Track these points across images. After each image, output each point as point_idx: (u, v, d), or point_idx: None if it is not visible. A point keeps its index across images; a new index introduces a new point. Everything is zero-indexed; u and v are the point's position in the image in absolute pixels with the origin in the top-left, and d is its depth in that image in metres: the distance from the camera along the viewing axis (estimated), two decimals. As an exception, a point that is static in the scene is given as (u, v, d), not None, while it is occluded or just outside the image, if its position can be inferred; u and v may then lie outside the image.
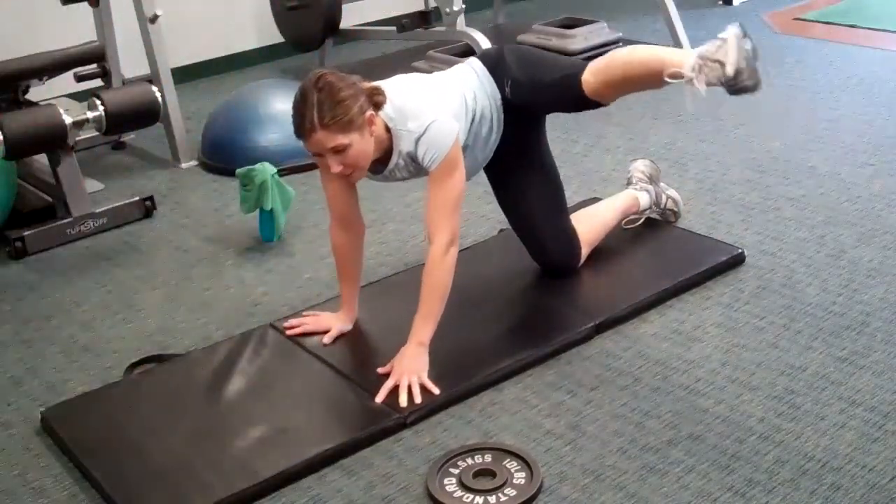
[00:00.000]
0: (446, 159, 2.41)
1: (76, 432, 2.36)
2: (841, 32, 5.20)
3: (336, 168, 2.35)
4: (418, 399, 2.36)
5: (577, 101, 2.57)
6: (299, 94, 2.32)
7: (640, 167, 3.17)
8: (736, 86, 2.30)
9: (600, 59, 2.55)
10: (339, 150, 2.31)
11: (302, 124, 2.30)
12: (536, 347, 2.56)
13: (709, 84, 2.32)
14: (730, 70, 2.28)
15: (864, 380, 2.40)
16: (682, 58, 2.39)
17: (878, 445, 2.18)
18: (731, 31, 2.32)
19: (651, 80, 2.48)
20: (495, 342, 2.61)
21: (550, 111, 2.78)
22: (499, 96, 2.63)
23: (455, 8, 4.50)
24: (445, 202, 2.43)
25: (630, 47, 2.57)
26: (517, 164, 2.77)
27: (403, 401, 2.35)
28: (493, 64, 2.65)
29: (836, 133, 3.87)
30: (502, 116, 2.65)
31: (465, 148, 2.52)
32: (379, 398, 2.37)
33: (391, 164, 2.48)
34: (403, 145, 2.42)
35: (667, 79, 2.39)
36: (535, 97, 2.64)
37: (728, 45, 2.30)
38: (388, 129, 2.42)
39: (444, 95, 2.52)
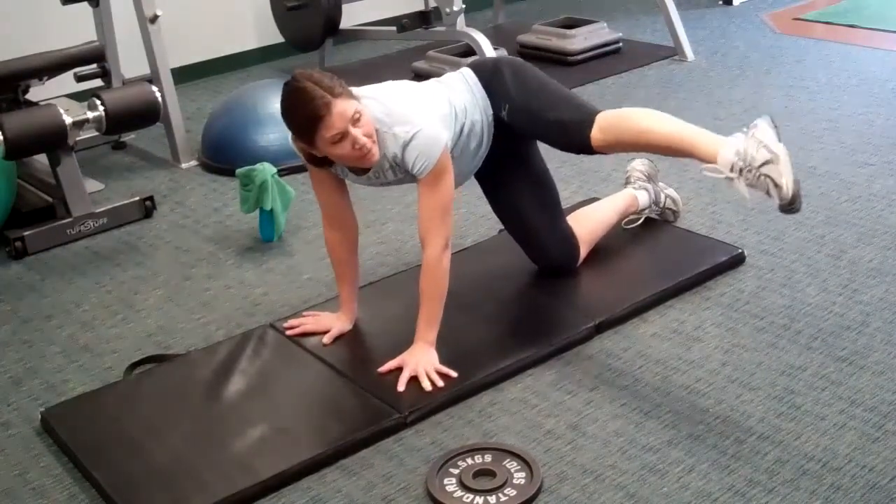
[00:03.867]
0: (436, 167, 2.40)
1: (76, 432, 2.36)
2: (841, 32, 5.20)
3: (361, 140, 2.30)
4: (440, 383, 2.41)
5: (578, 148, 2.53)
6: (291, 93, 2.29)
7: (637, 166, 3.17)
8: (792, 209, 2.22)
9: (613, 116, 2.46)
10: (357, 119, 2.30)
11: (316, 108, 2.25)
12: (536, 347, 2.56)
13: (751, 188, 2.23)
14: (788, 194, 2.18)
15: (864, 380, 2.40)
16: (715, 149, 2.28)
17: (878, 445, 2.18)
18: (780, 146, 2.20)
19: (670, 153, 2.44)
20: (495, 342, 2.61)
21: (546, 144, 2.72)
22: (491, 112, 2.60)
23: (455, 8, 4.50)
24: (437, 209, 2.42)
25: (650, 115, 2.46)
26: (509, 172, 2.76)
27: (427, 386, 2.40)
28: (489, 78, 2.61)
29: (836, 133, 3.87)
30: (493, 130, 2.62)
31: (451, 159, 2.49)
32: (400, 387, 2.40)
33: (375, 166, 2.46)
34: (389, 148, 2.40)
35: (705, 172, 2.31)
36: (534, 129, 2.62)
37: (782, 166, 2.19)
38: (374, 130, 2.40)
39: (433, 103, 2.50)
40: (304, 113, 2.29)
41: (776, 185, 2.20)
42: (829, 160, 3.62)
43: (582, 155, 2.59)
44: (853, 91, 4.31)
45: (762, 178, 2.21)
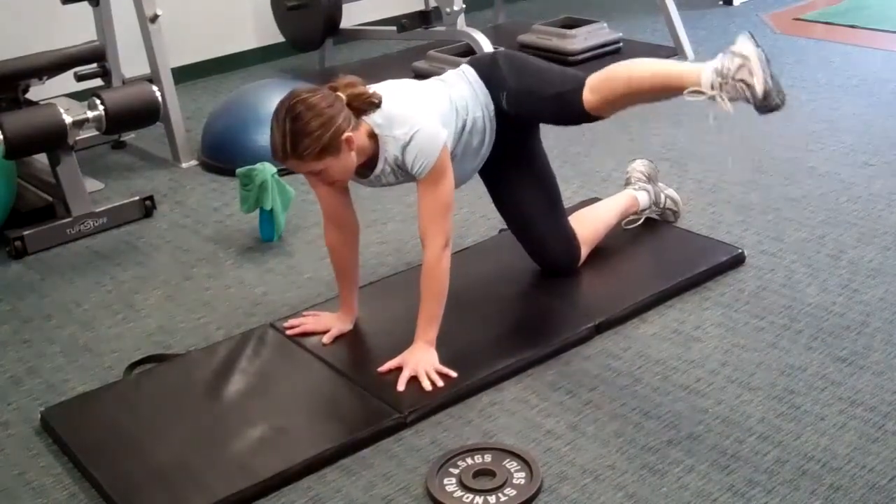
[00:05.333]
0: (435, 166, 2.40)
1: (76, 432, 2.36)
2: (841, 32, 5.20)
3: (315, 184, 2.47)
4: (440, 383, 2.41)
5: (577, 117, 2.55)
6: (274, 115, 2.31)
7: (638, 167, 3.17)
8: (767, 106, 2.27)
9: (599, 74, 2.51)
10: (315, 173, 2.35)
11: (275, 150, 2.31)
12: (536, 347, 2.56)
13: (733, 100, 2.29)
14: (759, 92, 2.25)
15: (864, 380, 2.40)
16: (697, 74, 2.33)
17: (878, 445, 2.18)
18: (751, 49, 2.26)
19: (659, 95, 2.46)
20: (495, 342, 2.61)
21: (548, 123, 2.76)
22: (492, 107, 2.60)
23: (455, 8, 4.50)
24: (437, 208, 2.43)
25: (631, 62, 2.52)
26: (512, 171, 2.76)
27: (427, 386, 2.40)
28: (488, 72, 2.62)
29: (836, 133, 3.87)
30: (495, 127, 2.62)
31: (452, 157, 2.50)
32: (400, 387, 2.40)
33: (377, 170, 2.46)
34: (389, 151, 2.41)
35: (687, 97, 2.35)
36: (534, 111, 2.63)
37: (752, 65, 2.24)
38: (373, 135, 2.40)
39: (432, 102, 2.50)
40: (270, 139, 2.32)
41: (748, 86, 2.24)
42: (829, 160, 3.63)
43: (584, 123, 2.62)
44: (853, 91, 4.31)
45: (738, 84, 2.26)
